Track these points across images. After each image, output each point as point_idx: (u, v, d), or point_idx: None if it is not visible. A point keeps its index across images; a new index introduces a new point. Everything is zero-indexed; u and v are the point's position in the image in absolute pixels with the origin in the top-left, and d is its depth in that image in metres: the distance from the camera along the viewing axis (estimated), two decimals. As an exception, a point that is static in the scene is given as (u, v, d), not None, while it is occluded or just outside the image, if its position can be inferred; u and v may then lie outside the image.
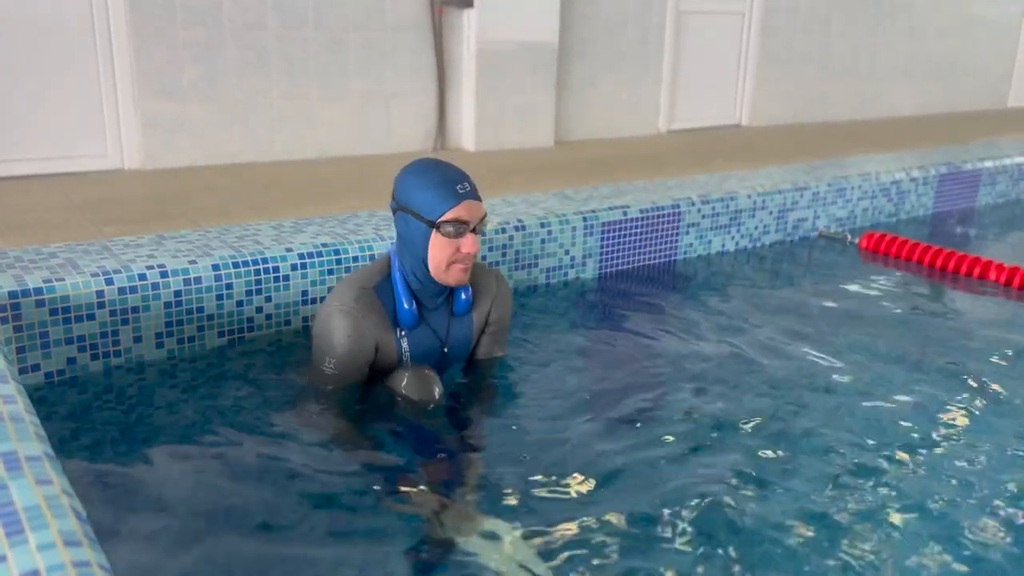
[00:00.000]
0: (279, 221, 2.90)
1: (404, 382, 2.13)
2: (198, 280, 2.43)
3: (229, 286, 2.48)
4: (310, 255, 2.62)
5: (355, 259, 2.69)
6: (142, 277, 2.35)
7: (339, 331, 2.07)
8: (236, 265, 2.49)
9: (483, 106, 5.27)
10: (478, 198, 2.07)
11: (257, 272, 2.52)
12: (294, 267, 2.59)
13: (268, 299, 2.56)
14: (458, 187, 2.03)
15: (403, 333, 2.15)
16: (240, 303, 2.51)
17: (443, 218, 2.02)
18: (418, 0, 5.00)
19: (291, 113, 4.74)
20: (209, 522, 1.73)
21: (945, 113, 8.08)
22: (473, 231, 2.06)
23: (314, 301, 2.65)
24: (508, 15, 5.22)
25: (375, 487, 1.91)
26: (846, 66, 7.33)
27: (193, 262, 2.44)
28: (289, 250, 2.59)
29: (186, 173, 4.28)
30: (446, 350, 2.25)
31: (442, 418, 2.17)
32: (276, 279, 2.56)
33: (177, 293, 2.40)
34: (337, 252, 2.66)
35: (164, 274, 2.38)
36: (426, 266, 2.08)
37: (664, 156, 5.26)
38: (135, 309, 2.34)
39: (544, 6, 5.34)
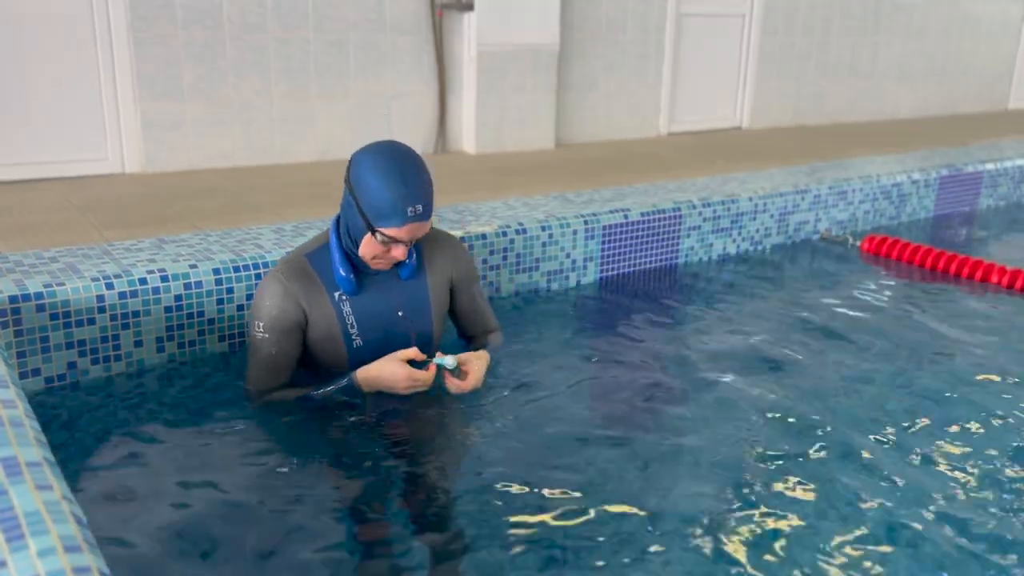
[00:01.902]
0: (280, 224, 2.90)
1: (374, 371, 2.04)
2: (199, 284, 2.42)
3: (230, 290, 2.48)
4: (311, 259, 2.61)
5: (356, 262, 2.68)
6: (143, 281, 2.34)
7: (265, 295, 2.06)
8: (237, 269, 2.48)
9: (483, 108, 5.27)
10: (427, 219, 1.97)
11: (258, 276, 2.51)
12: (295, 271, 2.58)
13: (269, 303, 2.55)
14: (409, 210, 1.91)
15: (343, 298, 2.09)
16: (241, 307, 2.51)
17: (382, 230, 1.94)
18: (418, 2, 5.01)
19: (291, 115, 4.74)
20: (211, 528, 1.73)
21: (945, 114, 8.08)
22: (407, 245, 2.00)
23: (315, 305, 2.64)
24: (508, 17, 5.22)
25: (388, 491, 1.90)
26: (846, 67, 7.33)
27: (194, 266, 2.43)
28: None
29: (186, 175, 4.28)
30: (400, 314, 2.15)
31: (441, 409, 2.17)
32: (277, 283, 2.55)
33: (178, 297, 2.40)
34: (338, 256, 2.65)
35: (165, 278, 2.37)
36: (355, 247, 2.04)
37: (665, 158, 5.26)
38: (136, 313, 2.34)
39: (544, 8, 5.34)
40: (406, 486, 1.94)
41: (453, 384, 2.08)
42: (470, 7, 5.05)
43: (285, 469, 1.96)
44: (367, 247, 2.01)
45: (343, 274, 2.07)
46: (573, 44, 5.68)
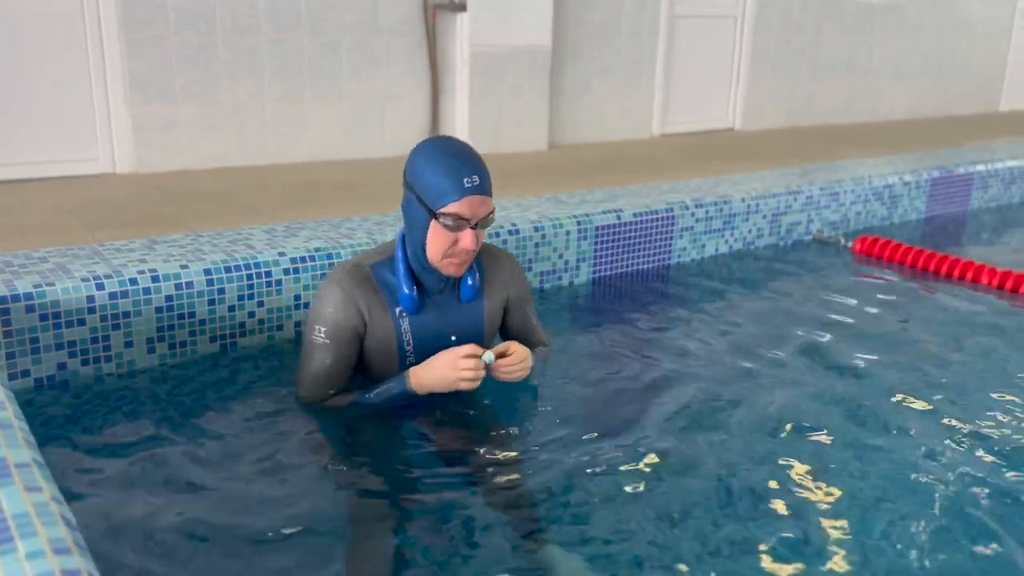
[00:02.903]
0: (272, 225, 2.89)
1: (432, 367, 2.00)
2: (190, 285, 2.42)
3: (221, 291, 2.47)
4: (303, 259, 2.60)
5: (348, 263, 2.68)
6: (133, 282, 2.33)
7: (327, 298, 2.02)
8: (228, 270, 2.48)
9: (477, 110, 5.26)
10: (487, 194, 1.95)
11: (249, 277, 2.51)
12: (287, 271, 2.57)
13: (261, 304, 2.55)
14: (466, 181, 1.90)
15: (403, 313, 2.06)
16: (232, 308, 2.50)
17: (443, 210, 1.91)
18: (411, 4, 5.00)
19: (284, 116, 4.73)
20: (201, 529, 1.72)
21: (938, 116, 8.11)
22: (475, 227, 1.94)
23: (307, 306, 2.63)
24: (501, 19, 5.22)
25: (383, 496, 1.90)
26: (839, 69, 7.36)
27: (185, 267, 2.43)
28: (282, 254, 2.58)
29: (179, 176, 4.27)
30: (454, 338, 2.11)
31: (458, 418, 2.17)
32: (269, 284, 2.55)
33: (169, 298, 2.39)
34: (330, 256, 2.64)
35: (156, 279, 2.37)
36: (424, 252, 1.99)
37: (658, 159, 5.26)
38: (126, 314, 2.33)
39: (537, 10, 5.34)
40: (401, 494, 1.94)
41: (501, 367, 2.02)
42: (463, 8, 5.05)
43: (277, 470, 1.96)
44: (434, 241, 1.95)
45: (407, 291, 2.03)
46: (567, 46, 5.68)
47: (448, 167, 1.91)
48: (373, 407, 2.07)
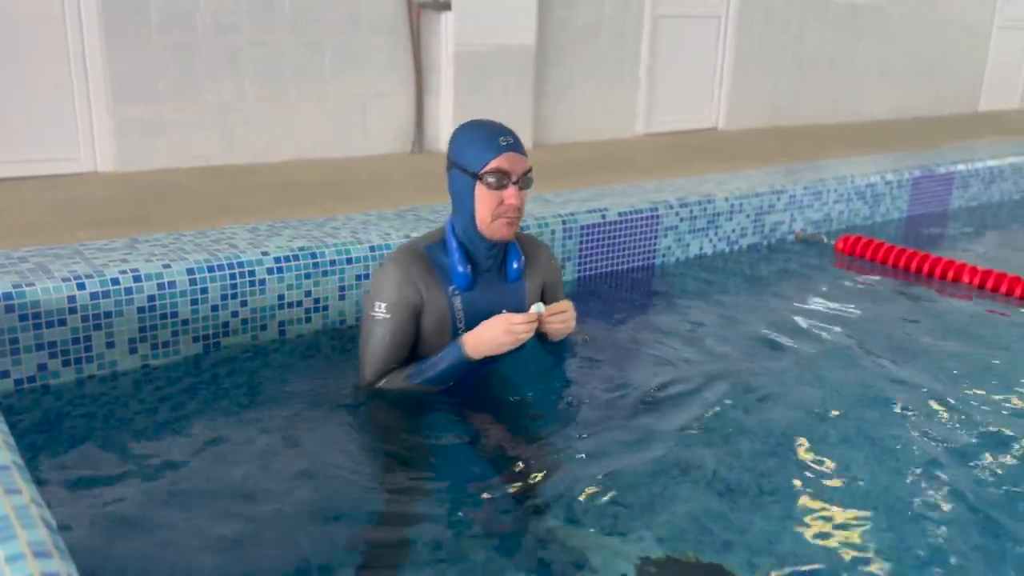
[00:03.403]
0: (255, 224, 2.87)
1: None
2: (172, 285, 2.39)
3: (204, 291, 2.45)
4: (286, 259, 2.59)
5: (332, 263, 2.66)
6: (115, 282, 2.31)
7: (387, 276, 2.15)
8: (211, 269, 2.46)
9: (461, 109, 5.25)
10: (521, 152, 2.12)
11: (232, 276, 2.49)
12: (270, 271, 2.56)
13: (244, 303, 2.53)
14: (500, 140, 2.09)
15: (456, 293, 2.18)
16: (215, 308, 2.48)
17: (485, 169, 2.07)
18: (395, 3, 4.99)
19: (267, 116, 4.70)
20: (184, 533, 1.71)
21: (919, 116, 8.17)
22: (518, 185, 2.10)
23: (291, 305, 2.62)
24: (486, 18, 5.22)
25: (380, 490, 1.89)
26: (822, 69, 7.40)
27: (167, 266, 2.41)
28: (265, 254, 2.57)
29: (161, 176, 4.24)
30: (503, 312, 2.21)
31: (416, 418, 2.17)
32: (252, 283, 2.53)
33: (151, 298, 2.37)
34: (314, 256, 2.63)
35: (137, 278, 2.34)
36: (474, 222, 2.13)
37: (642, 159, 5.28)
38: (108, 314, 2.31)
39: (521, 9, 5.34)
40: (388, 494, 1.93)
41: (550, 316, 2.15)
42: (447, 7, 5.04)
43: (263, 469, 1.94)
44: (482, 204, 2.09)
45: (460, 269, 2.16)
46: (551, 46, 5.68)
47: (482, 133, 2.12)
48: (429, 381, 2.15)
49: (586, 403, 2.32)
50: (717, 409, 2.28)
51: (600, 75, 6.01)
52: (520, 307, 2.27)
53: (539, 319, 2.13)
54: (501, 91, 5.38)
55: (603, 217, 3.26)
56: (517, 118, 5.47)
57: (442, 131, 5.31)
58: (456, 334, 2.18)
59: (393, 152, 5.21)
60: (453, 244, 2.18)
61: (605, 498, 1.86)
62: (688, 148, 5.81)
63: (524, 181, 2.12)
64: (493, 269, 2.23)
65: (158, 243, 2.61)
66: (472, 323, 2.18)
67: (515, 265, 2.24)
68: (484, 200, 2.10)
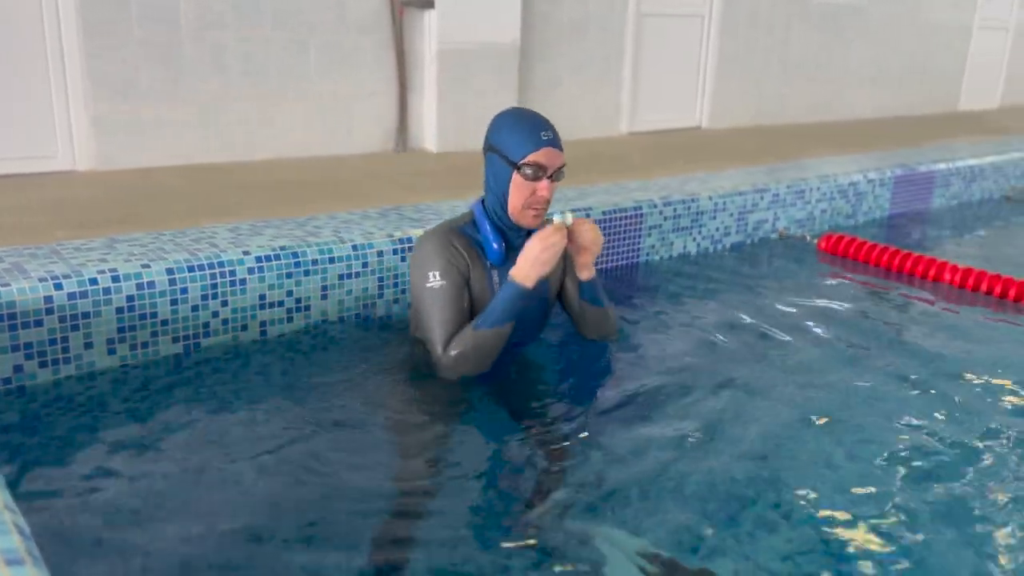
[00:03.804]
0: (236, 224, 2.85)
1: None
2: (151, 285, 2.37)
3: (184, 290, 2.43)
4: (268, 258, 2.57)
5: (314, 262, 2.65)
6: (93, 282, 2.28)
7: (429, 248, 2.27)
8: (191, 269, 2.43)
9: (445, 107, 5.24)
10: (559, 148, 2.24)
11: (213, 276, 2.47)
12: (251, 270, 2.54)
13: (224, 303, 2.51)
14: (542, 134, 2.21)
15: (491, 267, 2.32)
16: (195, 308, 2.46)
17: (523, 161, 2.20)
18: (379, 0, 4.96)
19: (250, 114, 4.66)
20: (161, 537, 1.69)
21: (901, 115, 8.22)
22: (551, 178, 2.23)
23: (272, 305, 2.60)
24: (470, 16, 5.20)
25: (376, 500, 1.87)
26: (805, 69, 7.43)
27: (146, 266, 2.38)
28: (246, 253, 2.54)
29: (142, 174, 4.19)
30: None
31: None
32: (233, 283, 2.51)
33: (130, 298, 2.34)
34: (295, 255, 2.61)
35: (116, 278, 2.32)
36: (504, 206, 2.27)
37: (626, 158, 5.27)
38: (86, 315, 2.28)
39: (506, 7, 5.33)
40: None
41: (583, 230, 2.29)
42: (431, 5, 5.02)
43: (245, 471, 1.92)
44: (516, 192, 2.23)
45: (495, 246, 2.30)
46: (535, 44, 5.67)
47: (525, 125, 2.23)
48: (496, 322, 2.23)
49: (569, 402, 2.32)
50: (702, 410, 2.28)
51: (585, 73, 6.01)
52: (546, 283, 2.41)
53: (567, 228, 2.24)
54: (485, 89, 5.36)
55: (587, 215, 3.25)
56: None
57: (426, 129, 5.29)
58: None
59: (377, 151, 5.19)
60: (485, 222, 2.31)
61: (590, 498, 1.85)
62: (672, 147, 5.81)
63: (557, 175, 2.26)
64: (522, 244, 2.30)
65: (137, 243, 2.58)
66: None
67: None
68: (518, 189, 2.23)
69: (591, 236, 2.32)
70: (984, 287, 3.30)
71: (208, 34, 4.43)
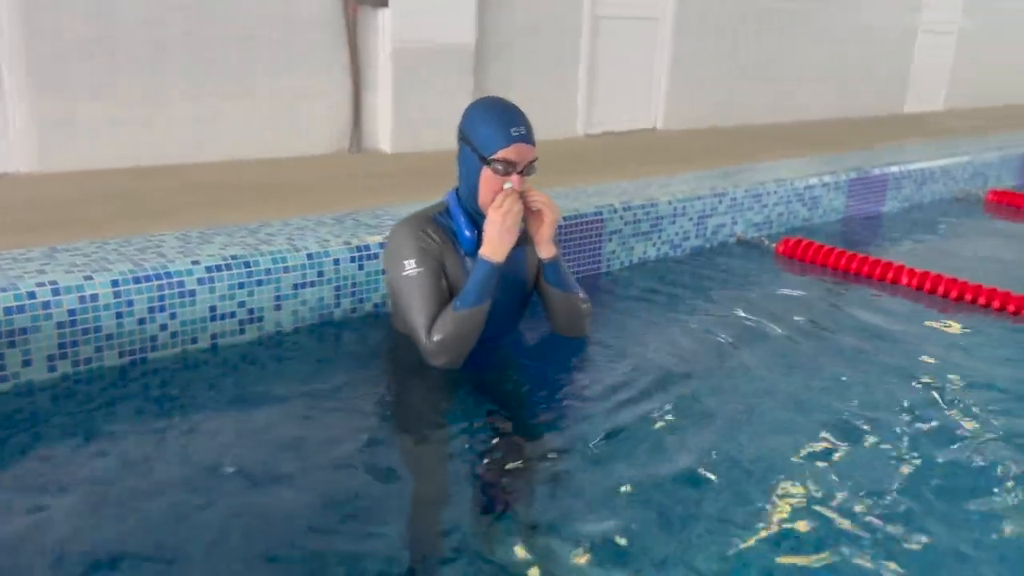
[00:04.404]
0: (184, 231, 2.73)
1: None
2: (95, 298, 2.25)
3: (130, 303, 2.31)
4: (218, 268, 2.46)
5: (267, 271, 2.55)
6: (31, 295, 2.15)
7: (405, 236, 2.28)
8: (137, 280, 2.32)
9: (400, 107, 5.14)
10: (531, 143, 2.25)
11: (160, 287, 2.35)
12: (201, 281, 2.43)
13: (173, 316, 2.39)
14: (512, 130, 2.21)
15: (464, 255, 2.33)
16: (142, 321, 2.34)
17: (494, 156, 2.21)
18: (330, -2, 4.85)
19: (196, 113, 4.51)
20: (113, 555, 1.59)
21: (848, 117, 8.33)
22: (522, 173, 2.24)
23: (223, 317, 2.49)
24: (424, 15, 5.11)
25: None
26: (757, 71, 7.49)
27: (89, 277, 2.26)
28: (195, 263, 2.43)
29: (83, 177, 4.02)
30: (507, 273, 2.36)
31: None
32: (181, 294, 2.40)
33: (71, 312, 2.22)
34: (248, 264, 2.51)
35: (56, 291, 2.19)
36: (475, 196, 2.29)
37: (583, 160, 5.24)
38: (24, 330, 2.15)
39: (461, 7, 5.25)
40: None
41: (533, 198, 2.31)
42: (384, 4, 4.92)
43: (194, 487, 1.83)
44: (485, 186, 2.24)
45: (467, 234, 2.30)
46: (491, 45, 5.60)
47: (497, 119, 2.23)
48: (472, 301, 2.24)
49: (537, 407, 2.30)
50: (663, 414, 2.25)
51: (541, 75, 5.96)
52: (522, 271, 2.44)
53: (518, 193, 2.25)
54: (441, 89, 5.27)
55: (547, 221, 3.19)
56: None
57: (380, 130, 5.19)
58: None
59: (330, 152, 5.07)
60: (458, 211, 2.32)
61: (544, 505, 1.82)
62: (628, 149, 5.80)
63: (528, 169, 2.27)
64: None
65: (79, 252, 2.45)
66: None
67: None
68: (488, 183, 2.25)
69: (543, 198, 2.32)
70: (940, 291, 3.33)
71: (150, 30, 4.27)
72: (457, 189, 2.38)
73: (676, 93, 6.86)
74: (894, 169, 4.74)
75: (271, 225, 2.86)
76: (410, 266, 2.26)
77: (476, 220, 2.34)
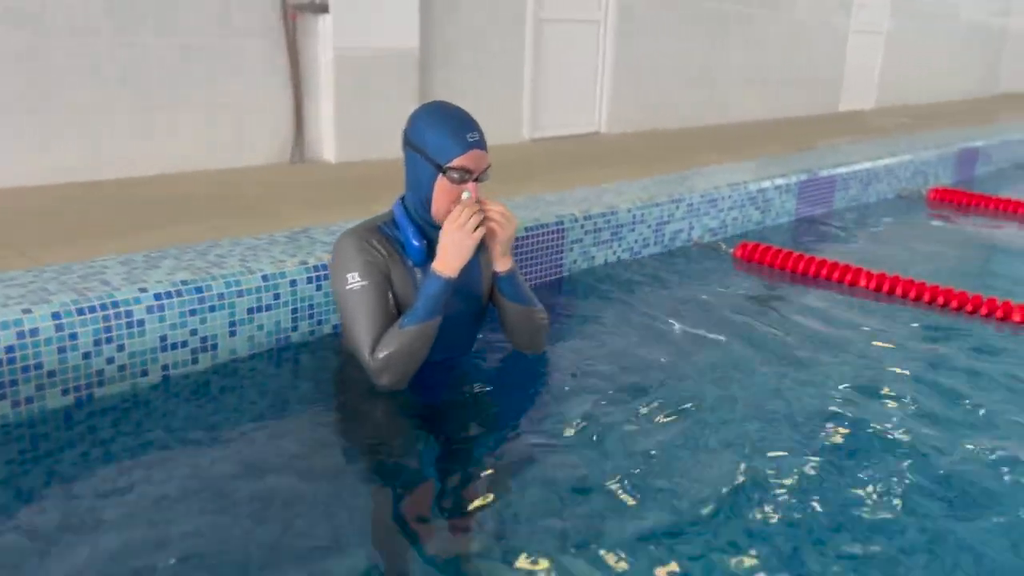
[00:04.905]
0: (128, 255, 2.56)
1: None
2: (35, 332, 2.08)
3: (73, 336, 2.15)
4: (168, 295, 2.31)
5: (220, 296, 2.40)
6: (-36, 333, 1.98)
7: (347, 248, 2.17)
8: (81, 312, 2.15)
9: (343, 116, 5.00)
10: (485, 148, 2.16)
11: (107, 318, 2.19)
12: (150, 310, 2.27)
13: (120, 348, 2.24)
14: (468, 136, 2.12)
15: (413, 266, 2.23)
16: (87, 355, 2.18)
17: (450, 164, 2.12)
18: (268, 4, 4.68)
19: (131, 126, 4.30)
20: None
21: (786, 117, 8.46)
22: (477, 180, 2.16)
23: (175, 347, 2.34)
24: (366, 21, 4.98)
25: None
26: (697, 73, 7.54)
27: (28, 311, 2.09)
28: (143, 290, 2.28)
29: (11, 195, 3.79)
30: (461, 282, 2.25)
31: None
32: (129, 324, 2.24)
33: (9, 349, 2.05)
34: (200, 290, 2.36)
35: (-8, 327, 2.02)
36: (427, 206, 2.19)
37: (530, 165, 5.18)
38: (-44, 371, 1.98)
39: (403, 12, 5.14)
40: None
41: (492, 213, 2.19)
42: (325, 9, 4.77)
43: (147, 526, 1.71)
44: (441, 195, 2.15)
45: (415, 243, 2.20)
46: (435, 50, 5.50)
47: (451, 125, 2.13)
48: (421, 317, 2.14)
49: (495, 427, 2.25)
50: (623, 430, 2.21)
51: (486, 80, 5.88)
52: (477, 275, 2.33)
53: (477, 204, 2.16)
54: (385, 97, 5.15)
55: (508, 233, 3.11)
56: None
57: (323, 139, 5.04)
58: None
59: (272, 162, 4.90)
60: (405, 221, 2.22)
61: (503, 527, 1.78)
62: (575, 154, 5.76)
63: (483, 175, 2.18)
64: None
65: (15, 283, 2.27)
66: None
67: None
68: (443, 192, 2.15)
69: (499, 209, 2.20)
70: (899, 292, 3.36)
71: (80, 40, 4.06)
72: (403, 198, 2.28)
73: (618, 96, 6.85)
74: (841, 170, 4.79)
75: (221, 246, 2.71)
76: (354, 279, 2.15)
77: (425, 230, 2.24)
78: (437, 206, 2.17)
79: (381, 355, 2.13)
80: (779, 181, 4.38)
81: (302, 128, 4.99)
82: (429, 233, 2.23)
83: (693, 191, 3.91)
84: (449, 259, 2.14)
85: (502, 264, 2.30)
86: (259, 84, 4.75)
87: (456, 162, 2.12)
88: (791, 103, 8.64)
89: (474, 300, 2.37)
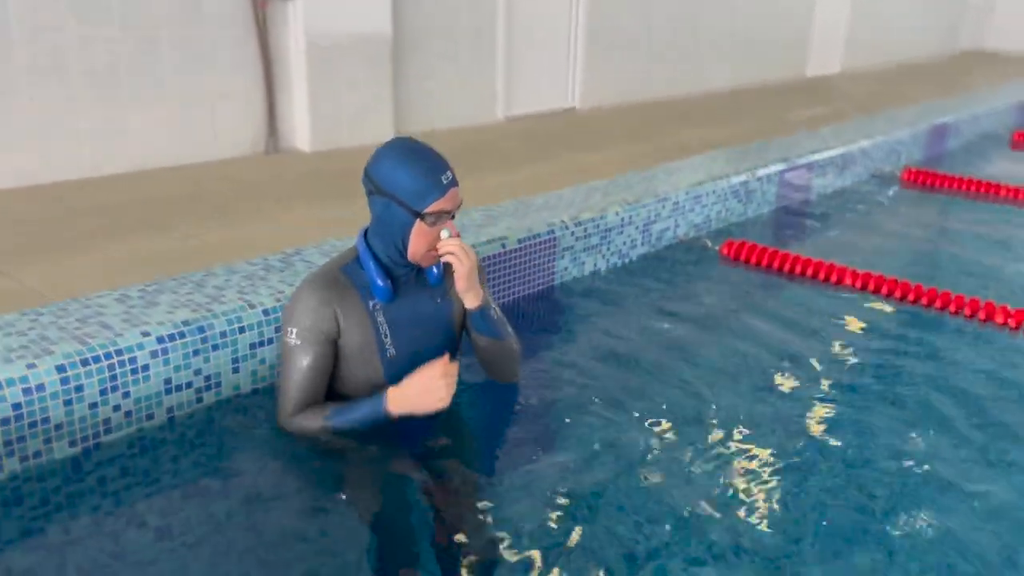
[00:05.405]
0: (123, 290, 2.50)
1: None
2: (40, 388, 2.04)
3: (79, 388, 2.10)
4: (171, 337, 2.27)
5: (223, 334, 2.37)
6: (-31, 396, 1.93)
7: (299, 301, 2.10)
8: (86, 363, 2.11)
9: (316, 104, 4.90)
10: (457, 183, 2.10)
11: (111, 367, 2.15)
12: (154, 354, 2.23)
13: (126, 395, 2.20)
14: (443, 178, 2.06)
15: (377, 307, 2.15)
16: (94, 405, 2.14)
17: (428, 209, 2.05)
18: (238, -8, 4.53)
19: (100, 123, 4.17)
20: None
21: (755, 84, 8.47)
22: (452, 217, 2.12)
23: (179, 388, 2.31)
24: (337, 6, 4.86)
25: None
26: (668, 46, 7.49)
27: (32, 365, 2.04)
28: (146, 334, 2.24)
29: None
30: (429, 317, 2.23)
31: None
32: (134, 371, 2.20)
33: (16, 406, 2.00)
34: (202, 330, 2.32)
35: (-2, 386, 1.97)
36: (402, 250, 2.11)
37: (505, 145, 5.16)
38: (-37, 435, 1.93)
39: (376, -4, 5.02)
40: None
41: (459, 274, 2.13)
42: (296, -4, 4.64)
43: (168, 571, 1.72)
44: (418, 239, 2.08)
45: (380, 283, 2.12)
46: (407, 33, 5.39)
47: (422, 168, 2.05)
48: (344, 428, 2.09)
49: (492, 433, 2.36)
50: (624, 426, 2.31)
51: (459, 61, 5.79)
52: (448, 310, 2.26)
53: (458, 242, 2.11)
54: (358, 82, 5.05)
55: (503, 247, 3.10)
56: (377, 109, 5.17)
57: (297, 128, 4.94)
58: (383, 349, 2.16)
59: (246, 154, 4.80)
60: (370, 262, 2.14)
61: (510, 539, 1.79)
62: (549, 133, 5.73)
63: (456, 211, 2.14)
64: (412, 277, 2.20)
65: (13, 329, 2.21)
66: (398, 332, 2.17)
67: (435, 271, 2.22)
68: (422, 236, 2.08)
69: (454, 246, 2.10)
70: (884, 291, 3.42)
71: (43, 36, 3.90)
72: (366, 233, 2.17)
73: (591, 72, 6.80)
74: (818, 156, 4.83)
75: (215, 274, 2.66)
76: (292, 335, 2.08)
77: (390, 269, 2.16)
78: (415, 249, 2.10)
79: (295, 424, 2.11)
80: (760, 171, 4.40)
81: (275, 118, 4.88)
82: (395, 272, 2.17)
83: (678, 188, 3.92)
84: (408, 403, 2.06)
85: (470, 300, 2.21)
86: (230, 74, 4.63)
87: (434, 207, 2.05)
88: (759, 70, 8.64)
89: (447, 335, 2.28)
